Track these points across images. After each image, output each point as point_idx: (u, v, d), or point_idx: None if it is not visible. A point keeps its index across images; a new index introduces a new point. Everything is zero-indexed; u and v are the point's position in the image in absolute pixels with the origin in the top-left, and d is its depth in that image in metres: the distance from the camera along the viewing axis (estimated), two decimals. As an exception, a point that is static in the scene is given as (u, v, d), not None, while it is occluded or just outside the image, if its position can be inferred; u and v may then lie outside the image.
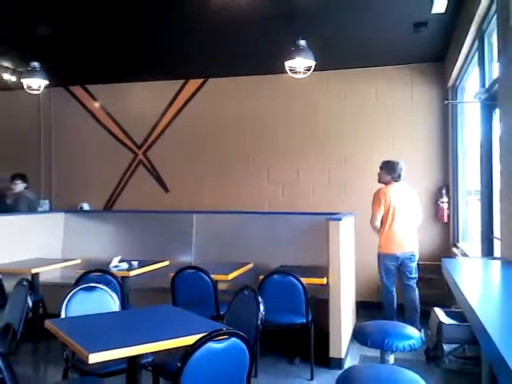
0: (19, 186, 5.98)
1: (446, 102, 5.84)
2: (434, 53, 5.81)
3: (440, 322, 3.89)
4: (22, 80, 5.61)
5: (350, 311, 4.71)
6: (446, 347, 3.97)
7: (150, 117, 7.21)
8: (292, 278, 3.91)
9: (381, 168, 5.00)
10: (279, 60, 4.93)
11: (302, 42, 4.77)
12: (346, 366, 4.15)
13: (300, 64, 4.89)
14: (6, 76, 6.26)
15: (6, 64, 6.08)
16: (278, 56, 4.94)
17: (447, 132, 6.07)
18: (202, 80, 7.01)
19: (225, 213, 5.72)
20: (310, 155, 6.58)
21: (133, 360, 2.61)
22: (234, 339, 2.27)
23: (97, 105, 7.44)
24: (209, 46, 5.51)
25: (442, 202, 6.08)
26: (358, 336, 2.99)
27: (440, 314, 4.08)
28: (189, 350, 2.17)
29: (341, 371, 3.99)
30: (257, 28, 4.86)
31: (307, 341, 4.00)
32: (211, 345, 2.22)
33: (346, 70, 6.35)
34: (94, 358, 2.21)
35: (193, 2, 4.33)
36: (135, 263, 4.72)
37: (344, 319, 4.26)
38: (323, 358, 4.13)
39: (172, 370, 2.49)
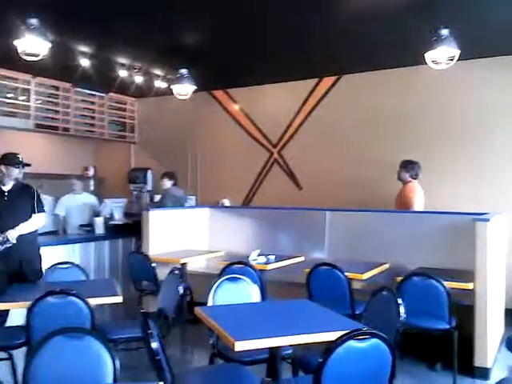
0: (166, 184, 6.50)
1: None
2: None
3: None
4: (171, 86, 6.13)
5: (497, 319, 4.37)
6: None
7: (285, 116, 7.38)
8: (434, 282, 3.73)
9: (401, 167, 5.49)
10: (418, 51, 4.74)
11: (445, 31, 4.53)
12: (493, 376, 3.89)
13: (442, 54, 4.66)
14: (158, 83, 6.86)
15: (157, 72, 6.65)
16: (417, 47, 4.75)
17: None
18: (336, 77, 6.99)
19: (358, 210, 5.62)
20: (454, 153, 6.20)
21: (274, 350, 2.73)
22: (375, 340, 2.26)
23: (236, 107, 7.81)
24: (342, 41, 5.44)
25: None
26: (512, 346, 2.77)
27: None
28: (330, 347, 2.21)
29: (487, 381, 3.81)
30: (394, 18, 4.68)
31: (449, 347, 3.80)
32: (352, 343, 2.23)
33: (491, 58, 5.85)
34: (240, 345, 2.35)
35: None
36: (272, 257, 4.91)
37: (491, 327, 3.98)
38: (466, 366, 3.90)
39: (312, 365, 2.56)
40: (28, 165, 4.38)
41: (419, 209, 5.36)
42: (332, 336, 2.31)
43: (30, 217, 4.26)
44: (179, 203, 6.45)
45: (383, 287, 3.08)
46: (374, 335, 2.27)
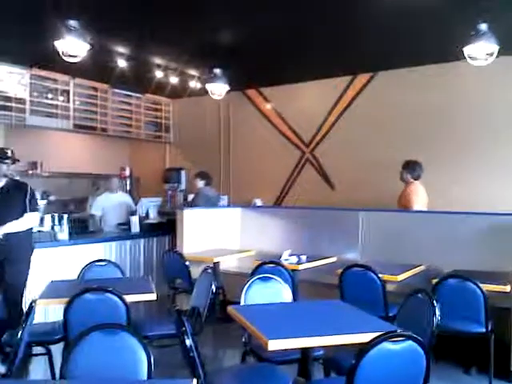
0: (199, 184, 6.56)
1: None
2: None
3: None
4: (206, 86, 6.20)
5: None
6: None
7: (318, 115, 7.33)
8: (471, 284, 3.65)
9: (403, 168, 5.52)
10: (456, 47, 4.66)
11: (483, 26, 4.42)
12: (529, 382, 3.79)
13: (481, 50, 4.56)
14: (192, 83, 6.94)
15: (192, 72, 6.72)
16: (454, 43, 4.67)
17: None
18: (370, 75, 6.88)
19: (392, 211, 5.55)
20: (494, 151, 6.02)
21: (306, 351, 2.73)
22: (410, 342, 2.23)
23: (269, 106, 7.81)
24: (377, 37, 5.35)
25: None
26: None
27: None
28: (364, 348, 2.19)
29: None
30: (430, 13, 4.58)
31: (486, 351, 3.71)
32: (386, 345, 2.21)
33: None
34: (273, 344, 2.37)
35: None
36: (304, 257, 4.90)
37: (529, 331, 3.87)
38: (503, 371, 3.82)
39: (345, 366, 2.55)
40: (17, 160, 4.22)
41: (420, 209, 5.36)
42: (365, 338, 2.30)
43: (22, 215, 4.07)
44: (211, 203, 6.50)
45: (419, 289, 3.04)
46: (408, 337, 2.24)
